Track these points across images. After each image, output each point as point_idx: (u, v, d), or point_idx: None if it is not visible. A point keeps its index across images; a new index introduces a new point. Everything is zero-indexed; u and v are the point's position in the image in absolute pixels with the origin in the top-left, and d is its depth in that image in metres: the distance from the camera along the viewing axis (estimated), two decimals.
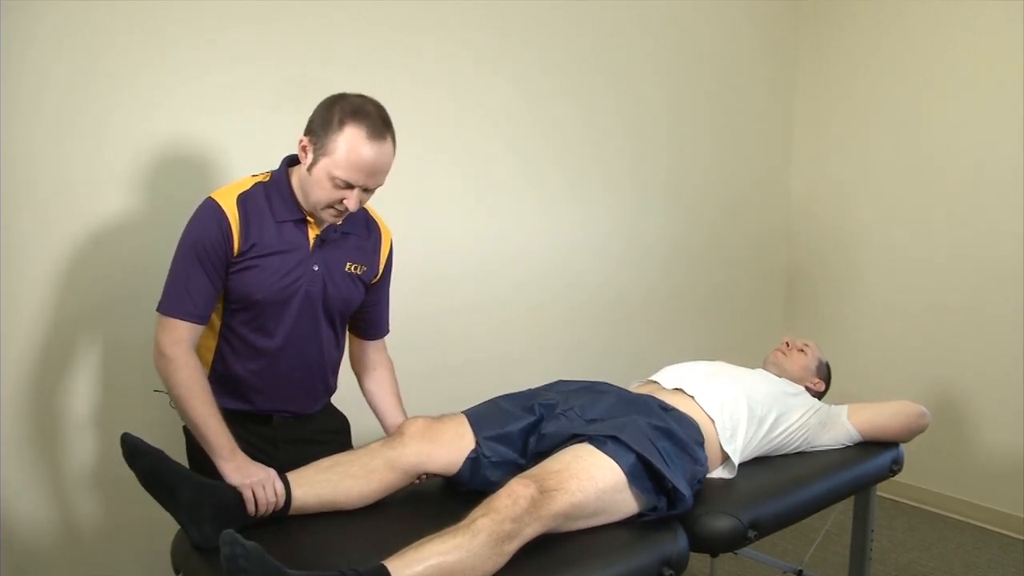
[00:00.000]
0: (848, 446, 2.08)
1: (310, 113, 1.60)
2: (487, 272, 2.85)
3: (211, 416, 1.58)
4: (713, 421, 1.88)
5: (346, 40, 2.41)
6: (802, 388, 2.15)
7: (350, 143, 1.53)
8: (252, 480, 1.54)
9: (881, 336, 3.59)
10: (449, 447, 1.71)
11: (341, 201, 1.59)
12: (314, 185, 1.58)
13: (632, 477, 1.57)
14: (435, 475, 1.74)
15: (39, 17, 1.91)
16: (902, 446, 2.15)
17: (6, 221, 1.93)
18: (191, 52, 2.14)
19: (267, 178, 1.67)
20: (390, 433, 1.82)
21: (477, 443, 1.73)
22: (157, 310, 1.61)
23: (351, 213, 1.65)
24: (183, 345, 1.59)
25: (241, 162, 2.18)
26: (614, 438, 1.61)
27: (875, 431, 2.09)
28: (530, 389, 1.91)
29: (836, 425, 2.08)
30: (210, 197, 1.62)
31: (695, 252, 3.49)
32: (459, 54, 2.67)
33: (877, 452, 2.08)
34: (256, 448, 1.69)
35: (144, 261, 2.07)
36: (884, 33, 3.51)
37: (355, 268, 1.75)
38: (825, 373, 2.33)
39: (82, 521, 2.10)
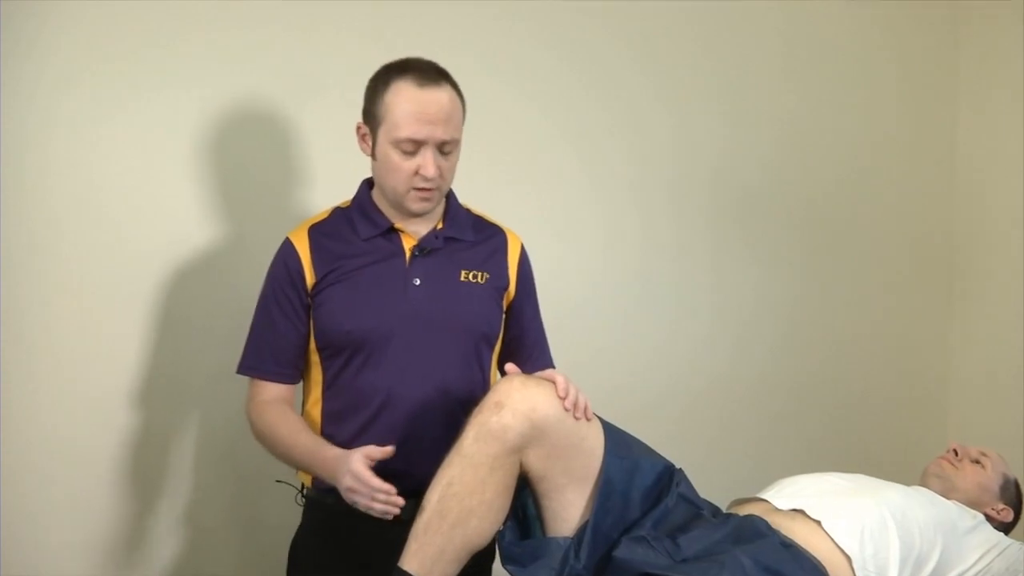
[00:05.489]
0: None
1: None
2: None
3: (301, 431, 1.47)
4: (850, 559, 1.48)
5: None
6: (980, 516, 1.69)
7: (400, 95, 1.44)
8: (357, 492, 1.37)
9: None
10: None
11: (418, 172, 1.44)
12: (385, 168, 1.47)
13: None
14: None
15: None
16: None
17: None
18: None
19: (348, 204, 1.59)
20: None
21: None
22: (237, 371, 1.55)
23: (456, 212, 1.56)
24: (270, 403, 1.52)
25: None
26: None
27: None
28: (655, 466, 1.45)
29: None
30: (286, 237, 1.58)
31: (824, 322, 2.89)
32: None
33: None
34: (375, 557, 1.41)
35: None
36: None
37: (474, 276, 1.55)
38: (1013, 495, 1.82)
39: None
